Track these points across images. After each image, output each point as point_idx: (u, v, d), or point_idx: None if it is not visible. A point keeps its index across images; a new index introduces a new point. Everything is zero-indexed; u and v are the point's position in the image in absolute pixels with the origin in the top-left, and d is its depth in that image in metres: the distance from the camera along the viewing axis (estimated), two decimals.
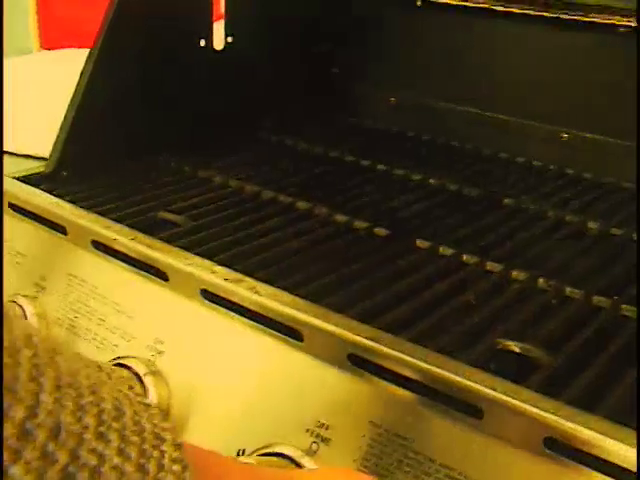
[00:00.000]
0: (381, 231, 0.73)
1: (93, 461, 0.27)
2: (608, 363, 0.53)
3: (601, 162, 0.94)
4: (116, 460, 0.28)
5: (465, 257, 0.69)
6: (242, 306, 0.59)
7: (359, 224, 0.74)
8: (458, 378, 0.49)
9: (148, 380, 0.62)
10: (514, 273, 0.66)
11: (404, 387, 0.51)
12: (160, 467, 0.30)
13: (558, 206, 0.82)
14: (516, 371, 0.51)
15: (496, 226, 0.76)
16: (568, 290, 0.64)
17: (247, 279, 0.60)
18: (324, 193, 0.80)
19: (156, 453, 0.30)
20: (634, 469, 0.43)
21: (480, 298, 0.62)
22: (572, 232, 0.76)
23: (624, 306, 0.62)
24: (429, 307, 0.60)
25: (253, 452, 0.55)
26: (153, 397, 0.62)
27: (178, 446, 0.31)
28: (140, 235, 0.68)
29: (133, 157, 0.87)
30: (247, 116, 0.98)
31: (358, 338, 0.53)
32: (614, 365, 0.53)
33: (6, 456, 0.24)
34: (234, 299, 0.59)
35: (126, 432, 0.29)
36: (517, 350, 0.55)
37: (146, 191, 0.81)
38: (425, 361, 0.50)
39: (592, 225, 0.78)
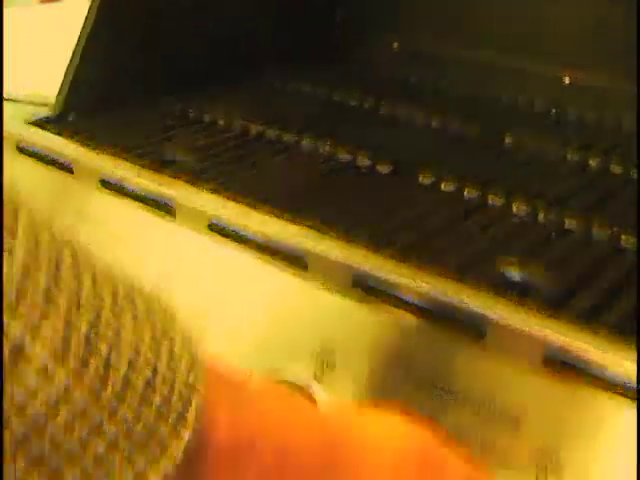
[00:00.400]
0: (384, 168, 0.74)
1: (110, 332, 0.28)
2: (607, 287, 0.54)
3: (602, 105, 0.94)
4: (131, 337, 0.29)
5: (467, 191, 0.69)
6: (249, 238, 0.60)
7: (362, 161, 0.75)
8: (460, 301, 0.50)
9: None
10: (515, 206, 0.67)
11: (407, 311, 0.53)
12: (171, 356, 0.31)
13: (558, 144, 0.83)
14: (517, 295, 0.52)
15: (497, 163, 0.77)
16: (567, 222, 0.65)
17: (254, 212, 0.61)
18: (327, 132, 0.81)
19: (166, 342, 0.31)
20: (634, 384, 0.45)
21: (481, 229, 0.63)
22: (572, 168, 0.77)
23: (624, 237, 0.63)
24: (430, 236, 0.61)
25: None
26: None
27: (188, 339, 0.32)
28: (147, 172, 0.69)
29: (137, 101, 0.87)
30: (251, 60, 0.98)
31: (362, 264, 0.54)
32: (614, 289, 0.54)
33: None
34: (242, 232, 0.60)
35: (138, 315, 0.30)
36: (517, 275, 0.56)
37: (152, 134, 0.82)
38: (428, 285, 0.51)
39: (592, 162, 0.78)
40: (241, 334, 0.60)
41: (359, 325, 0.55)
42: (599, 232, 0.64)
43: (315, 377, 0.55)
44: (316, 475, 0.37)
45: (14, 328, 0.26)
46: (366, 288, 0.54)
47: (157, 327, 0.31)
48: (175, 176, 0.68)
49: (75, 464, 0.28)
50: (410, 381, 0.52)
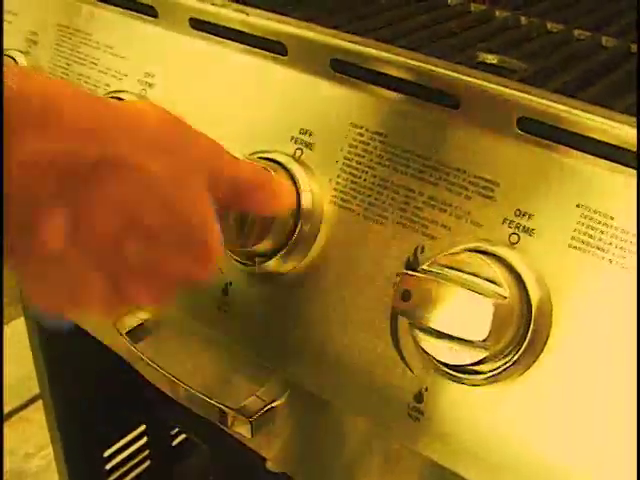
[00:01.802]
0: None
1: None
2: (588, 75, 0.54)
3: None
4: None
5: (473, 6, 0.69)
6: (230, 28, 0.60)
7: None
8: (435, 68, 0.51)
9: None
10: (497, 12, 0.67)
11: (383, 86, 0.53)
12: None
13: None
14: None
15: None
16: (549, 25, 0.65)
17: (233, 4, 0.61)
18: None
19: None
20: (610, 141, 0.45)
21: (462, 28, 0.63)
22: None
23: (605, 38, 0.63)
24: (411, 31, 0.61)
25: None
26: None
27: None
28: None
29: None
30: None
31: (340, 42, 0.54)
32: (593, 76, 0.54)
33: None
34: (221, 22, 0.60)
35: None
36: (495, 61, 0.56)
37: None
38: (403, 57, 0.52)
39: None
40: (221, 124, 0.60)
41: (336, 105, 0.55)
42: (580, 34, 0.64)
43: (294, 158, 0.56)
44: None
45: None
46: (343, 66, 0.54)
47: None
48: None
49: None
50: (387, 154, 0.53)
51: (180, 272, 0.44)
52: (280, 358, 0.57)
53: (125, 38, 0.68)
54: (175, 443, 1.26)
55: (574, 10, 0.68)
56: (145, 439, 1.21)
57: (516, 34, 0.63)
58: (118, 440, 1.18)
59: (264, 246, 0.54)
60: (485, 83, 0.49)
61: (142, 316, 0.71)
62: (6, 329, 1.70)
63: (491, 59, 0.56)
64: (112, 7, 0.69)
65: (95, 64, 0.69)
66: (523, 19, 0.66)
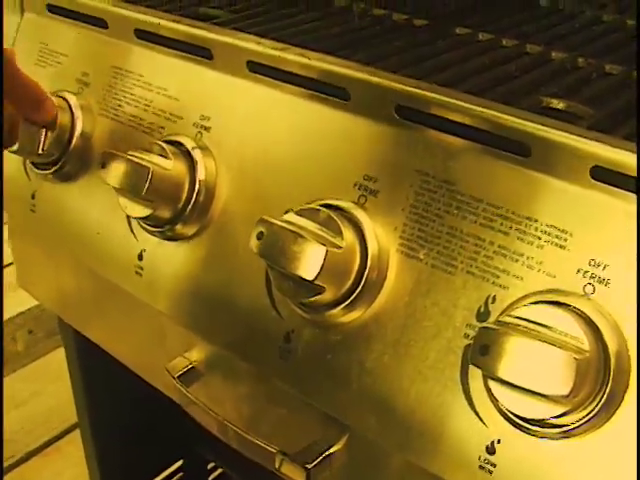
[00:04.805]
0: (420, 22, 0.73)
1: None
2: None
3: None
4: None
5: (504, 41, 0.69)
6: (289, 72, 0.60)
7: (398, 16, 0.75)
8: (505, 116, 0.50)
9: (196, 154, 0.64)
10: (554, 54, 0.67)
11: (450, 133, 0.52)
12: None
13: (595, 7, 0.82)
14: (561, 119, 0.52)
15: (534, 20, 0.76)
16: (608, 67, 0.65)
17: (293, 48, 0.61)
18: None
19: None
20: None
21: (522, 71, 0.62)
22: (609, 28, 0.76)
23: None
24: (471, 74, 0.60)
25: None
26: (201, 172, 0.63)
27: None
28: (184, 19, 0.68)
29: None
30: None
31: (406, 88, 0.54)
32: None
33: None
34: (281, 66, 0.60)
35: None
36: (561, 106, 0.56)
37: None
38: (472, 104, 0.51)
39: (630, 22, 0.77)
40: (281, 169, 0.60)
41: (401, 152, 0.55)
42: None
43: (359, 204, 0.55)
44: None
45: None
46: (408, 112, 0.54)
47: None
48: (212, 23, 0.68)
49: None
50: (455, 202, 0.52)
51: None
52: (343, 407, 0.56)
53: (180, 81, 0.68)
54: (211, 478, 1.25)
55: (629, 49, 0.67)
56: (181, 474, 1.20)
57: (576, 76, 0.62)
58: (156, 475, 1.17)
59: (324, 297, 0.53)
60: (557, 132, 0.49)
61: (192, 358, 0.70)
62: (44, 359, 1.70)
63: (556, 104, 0.56)
64: (167, 49, 0.69)
65: (148, 106, 0.69)
66: (580, 60, 0.65)
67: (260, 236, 0.51)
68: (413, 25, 0.74)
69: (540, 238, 0.49)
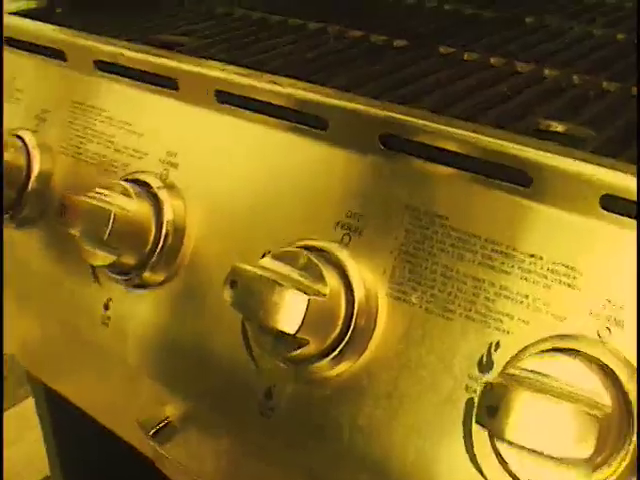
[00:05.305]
0: (400, 42, 0.69)
1: None
2: None
3: None
4: None
5: (493, 60, 0.64)
6: (261, 101, 0.55)
7: (376, 37, 0.70)
8: (501, 142, 0.45)
9: (162, 194, 0.59)
10: (546, 71, 0.62)
11: (441, 162, 0.47)
12: None
13: (583, 22, 0.77)
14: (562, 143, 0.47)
15: (521, 37, 0.72)
16: (605, 84, 0.60)
17: (264, 74, 0.56)
18: (337, 13, 0.75)
19: None
20: None
21: (514, 91, 0.57)
22: (599, 42, 0.71)
23: None
24: (459, 97, 0.55)
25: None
26: (168, 213, 0.58)
27: None
28: (146, 47, 0.63)
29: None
30: None
31: (390, 114, 0.49)
32: None
33: None
34: (252, 95, 0.55)
35: None
36: (559, 129, 0.51)
37: (146, 20, 0.76)
38: (464, 129, 0.46)
39: (620, 36, 0.73)
40: (256, 208, 0.55)
41: (387, 185, 0.49)
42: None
43: (342, 245, 0.50)
44: None
45: None
46: (394, 141, 0.49)
47: None
48: (176, 51, 0.63)
49: None
50: (450, 239, 0.47)
51: None
52: (331, 465, 0.51)
53: (144, 114, 0.63)
54: None
55: (624, 64, 0.63)
56: None
57: (572, 94, 0.58)
58: None
59: (308, 350, 0.48)
60: (560, 157, 0.44)
61: (167, 413, 0.65)
62: (14, 410, 1.65)
63: (555, 126, 0.51)
64: (129, 81, 0.64)
65: (111, 142, 0.64)
66: (575, 77, 0.60)
67: (234, 285, 0.46)
68: (393, 46, 0.68)
69: (546, 277, 0.44)
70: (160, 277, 0.59)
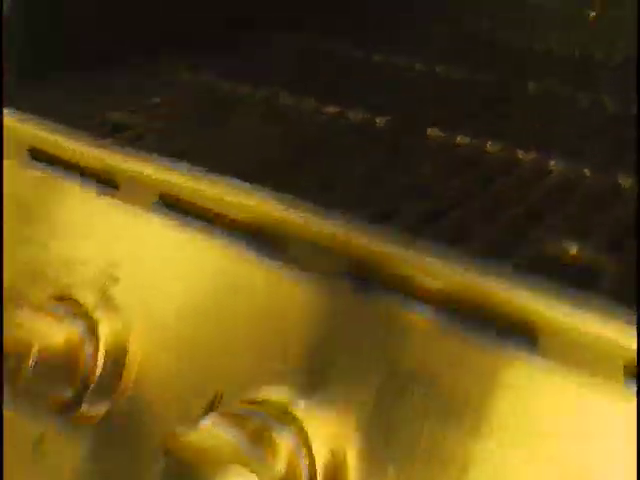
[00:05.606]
0: (382, 120, 0.59)
1: None
2: None
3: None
4: None
5: (488, 146, 0.55)
6: (210, 210, 0.46)
7: (355, 115, 0.61)
8: (498, 288, 0.36)
9: (99, 315, 0.50)
10: (551, 163, 0.53)
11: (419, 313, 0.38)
12: None
13: (588, 90, 0.69)
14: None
15: (521, 112, 0.62)
16: (621, 179, 0.51)
17: (216, 178, 0.47)
18: (311, 86, 0.66)
19: None
20: None
21: (515, 190, 0.48)
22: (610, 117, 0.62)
23: None
24: (448, 205, 0.46)
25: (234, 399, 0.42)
26: (104, 338, 0.49)
27: None
28: (86, 134, 0.54)
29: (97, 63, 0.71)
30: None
31: (364, 242, 0.39)
32: None
33: None
34: (201, 203, 0.46)
35: None
36: (574, 252, 0.41)
37: (98, 93, 0.67)
38: (447, 265, 0.37)
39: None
40: (208, 336, 0.46)
41: (357, 330, 0.40)
42: None
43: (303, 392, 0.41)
44: None
45: None
46: (363, 278, 0.40)
47: None
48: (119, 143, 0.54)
49: None
50: (433, 404, 0.37)
51: None
52: None
53: (82, 215, 0.54)
54: None
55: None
56: None
57: (584, 192, 0.48)
58: None
59: None
60: (574, 312, 0.34)
61: None
62: None
63: (567, 249, 0.41)
64: (66, 174, 0.55)
65: (43, 248, 0.55)
66: (587, 171, 0.51)
67: (166, 471, 0.37)
68: (374, 124, 0.59)
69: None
70: (96, 412, 0.50)
